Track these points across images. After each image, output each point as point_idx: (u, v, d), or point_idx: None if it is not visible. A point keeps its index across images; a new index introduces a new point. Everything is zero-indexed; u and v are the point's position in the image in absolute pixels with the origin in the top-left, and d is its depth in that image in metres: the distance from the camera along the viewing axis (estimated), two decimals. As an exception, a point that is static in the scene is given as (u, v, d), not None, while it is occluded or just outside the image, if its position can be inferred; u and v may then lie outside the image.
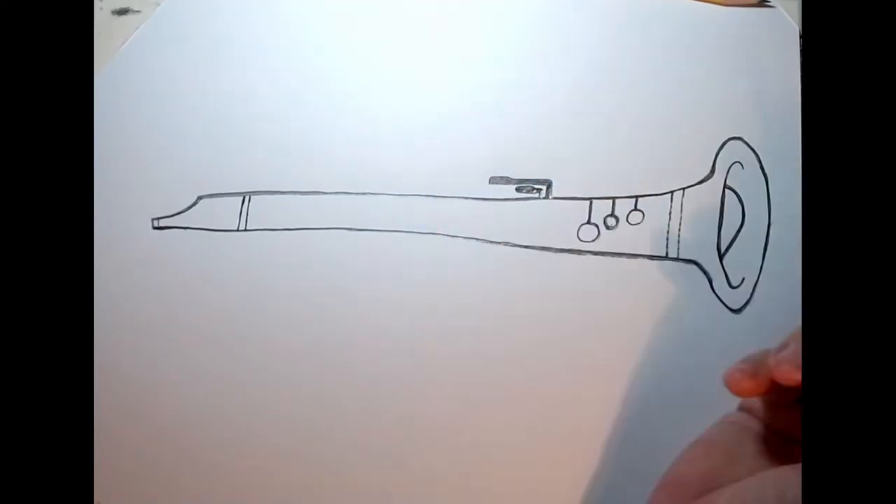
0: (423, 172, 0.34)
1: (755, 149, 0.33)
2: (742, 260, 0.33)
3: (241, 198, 0.34)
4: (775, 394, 0.25)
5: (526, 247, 0.33)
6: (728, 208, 0.33)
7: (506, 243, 0.33)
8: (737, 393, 0.25)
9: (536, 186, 0.33)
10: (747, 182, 0.33)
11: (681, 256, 0.33)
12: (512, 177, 0.33)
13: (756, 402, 0.27)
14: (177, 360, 0.33)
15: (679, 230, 0.33)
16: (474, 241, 0.33)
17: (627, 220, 0.33)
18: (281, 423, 0.32)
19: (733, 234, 0.33)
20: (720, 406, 0.31)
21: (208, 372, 0.32)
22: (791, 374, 0.23)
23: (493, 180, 0.34)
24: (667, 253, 0.33)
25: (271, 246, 0.33)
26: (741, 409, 0.27)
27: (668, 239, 0.33)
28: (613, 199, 0.33)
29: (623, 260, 0.33)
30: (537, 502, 0.31)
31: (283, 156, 0.34)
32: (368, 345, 0.32)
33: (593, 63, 0.34)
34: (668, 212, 0.33)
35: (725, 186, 0.33)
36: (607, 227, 0.33)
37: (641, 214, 0.33)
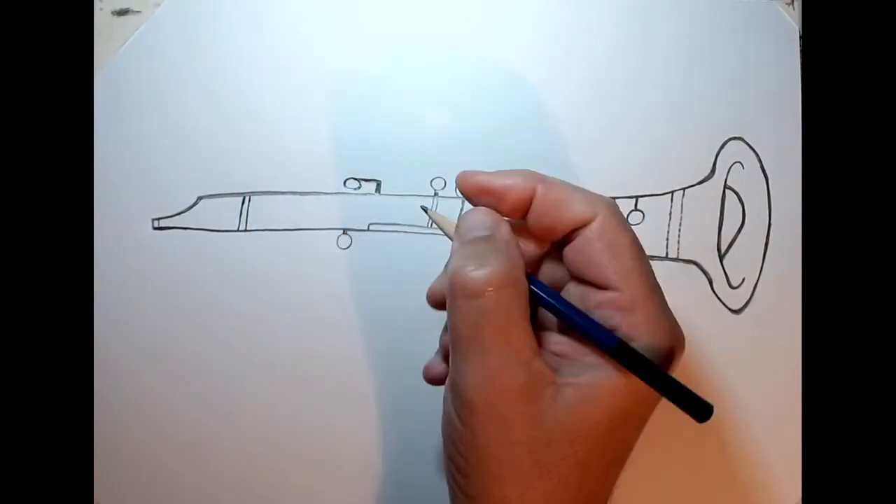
0: (424, 172, 0.34)
1: (755, 149, 0.33)
2: (742, 260, 0.33)
3: (241, 198, 0.34)
4: None
5: (526, 247, 0.33)
6: (728, 208, 0.33)
7: (506, 243, 0.33)
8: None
9: (536, 186, 0.33)
10: (747, 182, 0.33)
11: (681, 257, 0.33)
12: (512, 177, 0.33)
13: None
14: (177, 360, 0.33)
15: (679, 230, 0.33)
16: (474, 241, 0.33)
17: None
18: (281, 422, 0.32)
19: (733, 234, 0.33)
20: (720, 406, 0.31)
21: (208, 372, 0.32)
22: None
23: (493, 180, 0.34)
24: (667, 253, 0.33)
25: (271, 246, 0.33)
26: None
27: (668, 239, 0.33)
28: (613, 199, 0.33)
29: (623, 260, 0.33)
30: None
31: (283, 156, 0.34)
32: (369, 345, 0.32)
33: (594, 64, 0.34)
34: (668, 212, 0.33)
35: (725, 186, 0.33)
36: (607, 227, 0.33)
37: (641, 214, 0.33)
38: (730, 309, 0.32)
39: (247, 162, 0.34)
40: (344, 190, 0.34)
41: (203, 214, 0.34)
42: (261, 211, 0.34)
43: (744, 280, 0.32)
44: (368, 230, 0.33)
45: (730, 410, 0.31)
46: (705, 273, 0.32)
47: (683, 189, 0.33)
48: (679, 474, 0.31)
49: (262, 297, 0.33)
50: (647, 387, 0.22)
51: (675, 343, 0.23)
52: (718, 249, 0.33)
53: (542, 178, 0.24)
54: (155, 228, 0.34)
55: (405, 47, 0.35)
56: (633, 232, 0.24)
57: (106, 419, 0.32)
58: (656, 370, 0.22)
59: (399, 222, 0.33)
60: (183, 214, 0.34)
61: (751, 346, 0.32)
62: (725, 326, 0.32)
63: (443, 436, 0.24)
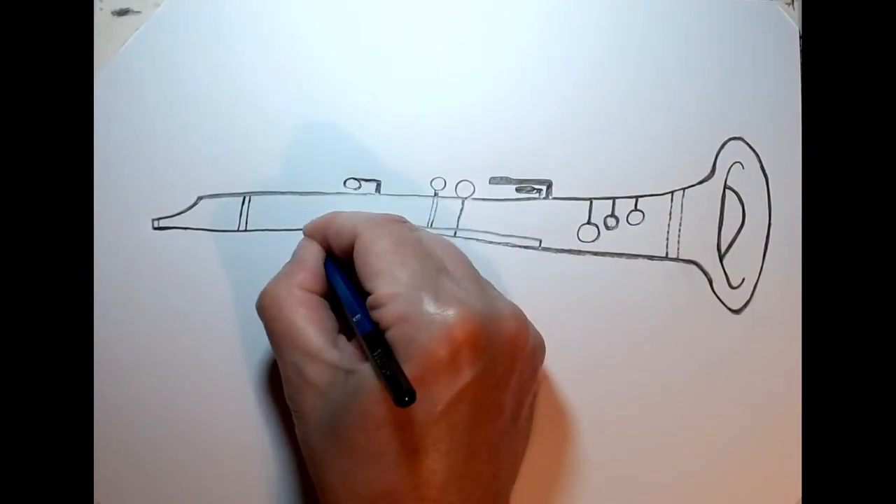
0: (424, 172, 0.34)
1: (755, 149, 0.33)
2: (742, 260, 0.33)
3: (241, 198, 0.34)
4: None
5: (525, 247, 0.33)
6: (728, 208, 0.33)
7: (506, 244, 0.33)
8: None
9: (536, 186, 0.33)
10: (747, 182, 0.33)
11: (681, 256, 0.33)
12: (512, 177, 0.34)
13: None
14: (177, 360, 0.33)
15: (679, 230, 0.33)
16: (474, 241, 0.33)
17: (627, 220, 0.33)
18: (282, 422, 0.32)
19: (733, 234, 0.33)
20: (720, 406, 0.32)
21: (208, 372, 0.32)
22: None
23: (493, 180, 0.34)
24: (667, 253, 0.33)
25: (271, 246, 0.33)
26: None
27: (668, 239, 0.33)
28: (613, 199, 0.33)
29: (623, 260, 0.33)
30: (532, 502, 0.31)
31: (283, 156, 0.34)
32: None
33: (593, 63, 0.34)
34: (668, 212, 0.33)
35: (725, 186, 0.33)
36: (607, 227, 0.33)
37: (641, 214, 0.33)
38: (730, 309, 0.32)
39: (247, 162, 0.34)
40: (344, 190, 0.34)
41: (203, 214, 0.34)
42: (261, 211, 0.34)
43: (744, 280, 0.32)
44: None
45: (729, 410, 0.31)
46: (705, 273, 0.32)
47: (683, 189, 0.33)
48: (679, 474, 0.31)
49: (262, 297, 0.33)
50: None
51: (440, 328, 0.24)
52: (718, 249, 0.33)
53: (334, 216, 0.29)
54: (155, 228, 0.34)
55: (406, 47, 0.35)
56: (394, 237, 0.27)
57: (106, 419, 0.32)
58: (377, 356, 0.24)
59: (399, 222, 0.33)
60: (183, 214, 0.34)
61: (751, 346, 0.32)
62: (725, 326, 0.32)
63: None
